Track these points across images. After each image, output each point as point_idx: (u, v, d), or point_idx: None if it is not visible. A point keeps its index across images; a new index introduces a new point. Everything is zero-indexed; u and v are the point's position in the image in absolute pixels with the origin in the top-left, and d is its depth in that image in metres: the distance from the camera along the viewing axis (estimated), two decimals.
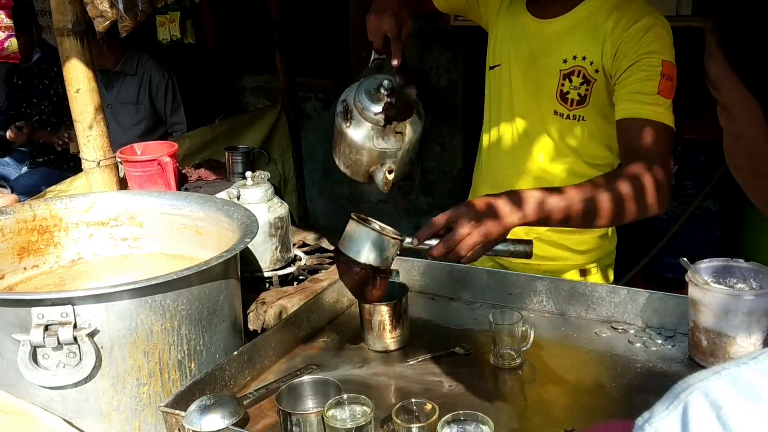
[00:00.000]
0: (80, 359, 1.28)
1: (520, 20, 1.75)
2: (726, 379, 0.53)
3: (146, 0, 2.11)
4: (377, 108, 1.53)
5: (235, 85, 4.37)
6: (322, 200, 4.20)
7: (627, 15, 1.59)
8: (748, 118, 0.55)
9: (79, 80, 2.14)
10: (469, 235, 1.30)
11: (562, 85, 1.67)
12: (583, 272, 1.85)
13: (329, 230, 2.45)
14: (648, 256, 2.67)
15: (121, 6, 2.03)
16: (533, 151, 1.76)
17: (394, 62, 1.59)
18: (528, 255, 1.38)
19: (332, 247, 2.38)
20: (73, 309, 1.26)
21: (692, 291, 1.41)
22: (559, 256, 1.84)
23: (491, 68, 1.84)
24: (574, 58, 1.65)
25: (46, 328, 1.26)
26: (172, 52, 3.64)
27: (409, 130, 1.60)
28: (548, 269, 1.82)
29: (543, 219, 1.38)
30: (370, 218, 1.37)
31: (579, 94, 1.66)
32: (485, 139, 1.90)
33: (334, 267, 2.15)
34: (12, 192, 3.65)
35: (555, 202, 1.38)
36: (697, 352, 1.42)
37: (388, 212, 4.07)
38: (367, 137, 1.58)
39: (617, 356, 1.48)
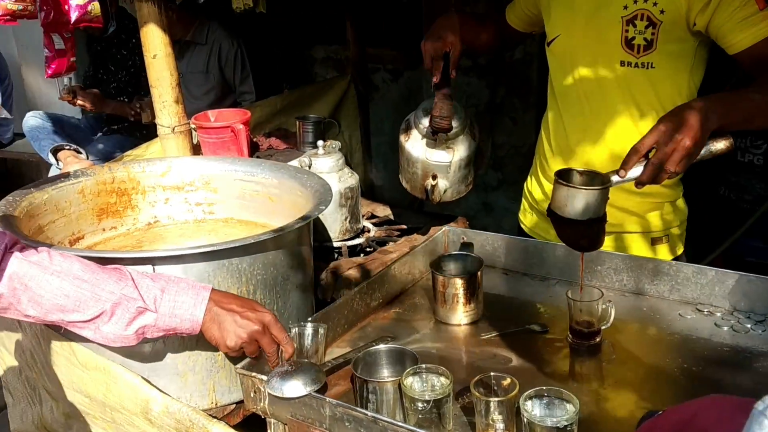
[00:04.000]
0: None
1: None
2: None
3: None
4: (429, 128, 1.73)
5: (305, 55, 4.36)
6: (387, 173, 4.18)
7: None
8: None
9: (156, 46, 2.15)
10: (675, 150, 1.30)
11: (626, 31, 1.63)
12: (654, 241, 1.81)
13: (394, 202, 2.43)
14: (731, 238, 2.55)
15: None
16: (603, 108, 1.73)
17: (434, 79, 1.73)
18: (729, 149, 1.38)
19: (401, 221, 2.36)
20: (153, 269, 1.27)
21: None
22: (625, 220, 1.78)
23: (549, 43, 1.84)
24: (635, 2, 1.62)
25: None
26: (243, 21, 3.64)
27: (460, 147, 1.77)
28: (617, 237, 1.79)
29: (737, 118, 1.38)
30: (573, 170, 1.39)
31: (645, 39, 1.62)
32: (552, 111, 1.89)
33: (402, 239, 2.13)
34: (87, 158, 3.75)
35: (740, 101, 1.40)
36: None
37: None
38: (421, 150, 1.78)
39: (703, 339, 1.42)
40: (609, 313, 1.42)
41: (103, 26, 3.60)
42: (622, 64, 1.66)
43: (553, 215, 1.38)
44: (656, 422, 0.81)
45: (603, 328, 1.42)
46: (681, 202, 1.84)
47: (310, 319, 1.43)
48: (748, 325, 1.45)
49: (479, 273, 1.54)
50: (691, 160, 1.33)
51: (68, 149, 3.67)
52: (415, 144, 1.81)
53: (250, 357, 1.26)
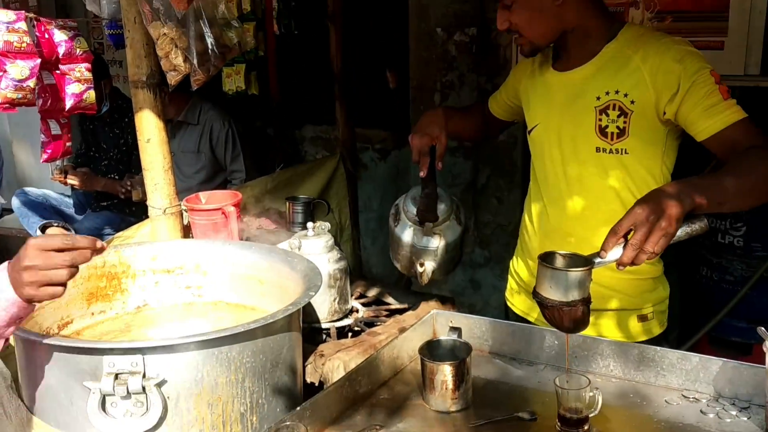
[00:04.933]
0: (147, 409, 1.29)
1: (548, 79, 1.86)
2: None
3: (218, 55, 2.18)
4: (415, 216, 1.87)
5: (295, 134, 4.45)
6: (375, 249, 4.21)
7: (653, 48, 1.67)
8: None
9: (150, 131, 2.21)
10: (652, 232, 1.35)
11: (600, 120, 1.73)
12: (642, 318, 1.85)
13: (383, 279, 2.45)
14: (715, 319, 2.58)
15: (195, 61, 2.11)
16: (581, 192, 1.80)
17: (421, 173, 1.85)
18: (705, 229, 1.43)
19: (390, 300, 2.38)
20: (143, 359, 1.28)
21: None
22: (610, 298, 1.82)
23: (530, 132, 1.93)
24: (607, 93, 1.72)
25: (116, 376, 1.28)
26: (235, 101, 3.72)
27: (447, 233, 1.90)
28: (601, 314, 1.82)
29: (709, 201, 1.42)
30: (556, 253, 1.44)
31: (618, 127, 1.71)
32: (534, 193, 1.96)
33: (391, 320, 2.14)
34: (76, 234, 3.76)
35: (713, 184, 1.45)
36: None
37: None
38: (409, 236, 1.91)
39: (690, 426, 1.42)
40: (596, 401, 1.42)
41: (98, 107, 3.70)
42: (597, 150, 1.75)
43: (538, 297, 1.42)
44: None
45: (591, 415, 1.42)
46: (663, 279, 1.89)
47: (291, 414, 1.42)
48: (734, 412, 1.46)
49: (468, 359, 1.55)
50: (668, 241, 1.38)
51: (56, 226, 3.69)
52: (403, 230, 1.91)
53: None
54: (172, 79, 2.22)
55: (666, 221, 1.35)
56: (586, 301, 1.41)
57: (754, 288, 2.68)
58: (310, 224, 2.18)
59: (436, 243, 1.88)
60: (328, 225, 2.24)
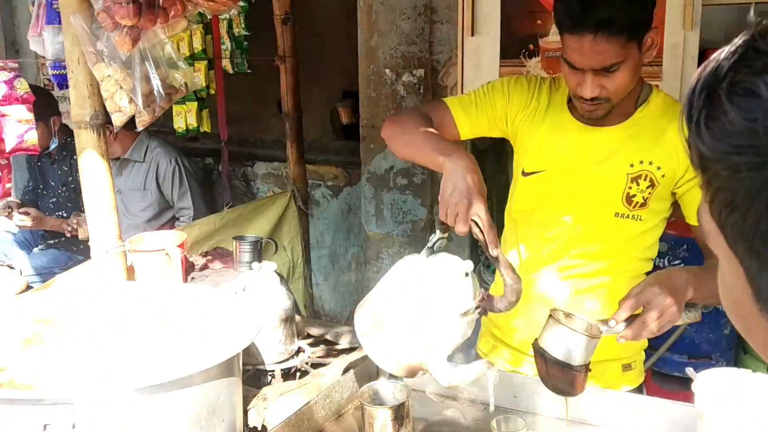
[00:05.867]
0: None
1: (566, 126, 1.75)
2: None
3: (164, 96, 2.19)
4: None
5: (246, 171, 4.46)
6: (328, 287, 4.21)
7: None
8: (734, 275, 0.56)
9: (93, 171, 2.19)
10: (664, 313, 1.38)
11: (630, 188, 1.69)
12: (627, 367, 1.85)
13: (335, 317, 2.45)
14: (656, 356, 2.63)
15: (140, 102, 2.10)
16: (586, 253, 1.77)
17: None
18: (698, 320, 1.49)
19: (337, 342, 2.37)
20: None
21: (699, 402, 1.39)
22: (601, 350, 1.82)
23: (527, 174, 1.81)
24: (641, 162, 1.68)
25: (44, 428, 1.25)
26: (188, 140, 3.73)
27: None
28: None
29: (705, 294, 1.46)
30: (572, 314, 1.40)
31: (643, 197, 1.69)
32: (520, 250, 1.86)
33: (338, 359, 2.13)
34: (21, 274, 3.67)
35: (711, 278, 1.45)
36: None
37: None
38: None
39: None
40: None
41: (45, 145, 3.65)
42: (616, 215, 1.72)
43: (540, 353, 1.39)
44: None
45: None
46: None
47: None
48: None
49: (407, 402, 1.55)
50: (671, 325, 1.42)
51: (1, 265, 3.60)
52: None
53: None
54: (117, 120, 2.21)
55: (677, 307, 1.38)
56: (588, 368, 1.40)
57: (692, 324, 2.75)
58: (255, 265, 2.17)
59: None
60: (274, 265, 2.23)
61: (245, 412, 1.77)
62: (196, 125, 3.47)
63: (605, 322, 1.40)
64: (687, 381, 1.47)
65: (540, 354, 1.39)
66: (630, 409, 1.57)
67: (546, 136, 1.77)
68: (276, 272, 2.21)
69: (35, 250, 3.96)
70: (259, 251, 2.63)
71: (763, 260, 0.51)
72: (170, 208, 3.72)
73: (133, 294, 1.88)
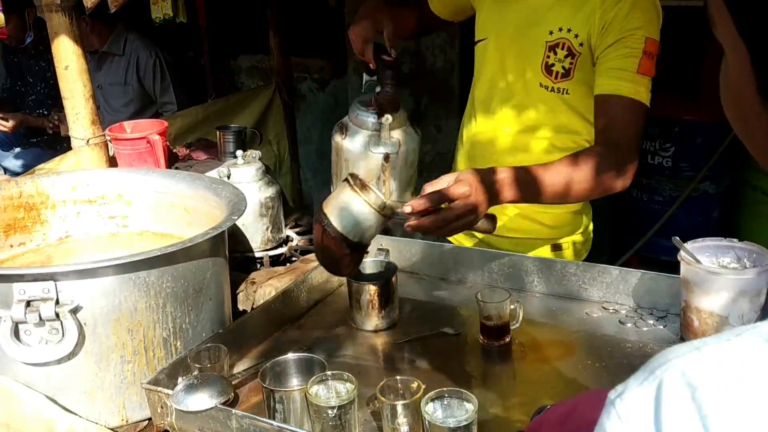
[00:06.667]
0: (63, 336, 1.26)
1: None
2: (705, 358, 0.50)
3: None
4: (372, 114, 1.63)
5: (230, 65, 4.32)
6: (316, 182, 4.18)
7: None
8: (738, 65, 0.53)
9: (67, 57, 2.11)
10: (457, 222, 1.25)
11: (548, 57, 1.66)
12: (556, 247, 1.84)
13: None
14: (643, 239, 2.66)
15: None
16: (517, 124, 1.76)
17: (371, 65, 1.66)
18: (490, 231, 1.35)
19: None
20: (55, 285, 1.24)
21: (684, 270, 1.39)
22: (532, 229, 1.82)
23: (477, 42, 1.83)
24: (560, 30, 1.64)
25: (28, 303, 1.24)
26: (164, 31, 3.59)
27: (406, 139, 1.68)
28: (521, 242, 1.82)
29: (520, 198, 1.39)
30: (369, 186, 1.25)
31: (563, 67, 1.65)
32: (469, 114, 1.89)
33: None
34: (5, 173, 3.63)
35: (530, 182, 1.40)
36: (689, 333, 1.40)
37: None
38: (361, 143, 1.66)
39: (608, 336, 1.47)
40: (518, 314, 1.45)
41: (20, 38, 3.52)
42: (540, 86, 1.69)
43: (320, 220, 1.24)
44: (544, 416, 0.84)
45: (513, 328, 1.45)
46: (587, 210, 1.87)
47: (213, 335, 1.42)
48: (651, 321, 1.50)
49: (393, 279, 1.55)
50: (464, 230, 1.32)
51: None
52: (354, 136, 1.66)
53: None
54: (88, 1, 2.10)
55: (474, 216, 1.26)
56: (365, 249, 1.27)
57: (682, 207, 2.76)
58: (239, 152, 2.13)
59: (395, 148, 1.63)
60: (258, 153, 2.19)
61: (234, 296, 1.78)
62: (171, 15, 3.33)
63: (402, 204, 1.23)
64: (673, 265, 1.46)
65: (319, 221, 1.23)
66: (618, 282, 1.58)
67: (492, 5, 1.78)
68: (261, 161, 2.17)
69: (17, 149, 3.90)
70: (243, 141, 2.59)
71: None
72: (153, 103, 3.64)
73: (112, 181, 1.85)
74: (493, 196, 1.32)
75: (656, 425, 0.49)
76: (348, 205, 1.20)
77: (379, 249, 1.76)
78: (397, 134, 1.68)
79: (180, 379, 1.24)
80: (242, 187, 1.79)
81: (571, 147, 1.69)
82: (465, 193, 1.25)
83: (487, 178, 1.32)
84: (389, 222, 1.27)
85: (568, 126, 1.71)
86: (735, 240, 1.42)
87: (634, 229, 2.87)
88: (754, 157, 0.57)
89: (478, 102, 1.84)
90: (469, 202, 1.25)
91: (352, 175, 1.24)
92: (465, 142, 1.91)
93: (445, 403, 1.07)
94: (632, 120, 1.53)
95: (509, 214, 1.80)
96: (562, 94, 1.68)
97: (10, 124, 3.59)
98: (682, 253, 1.40)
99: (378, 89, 1.64)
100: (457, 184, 1.26)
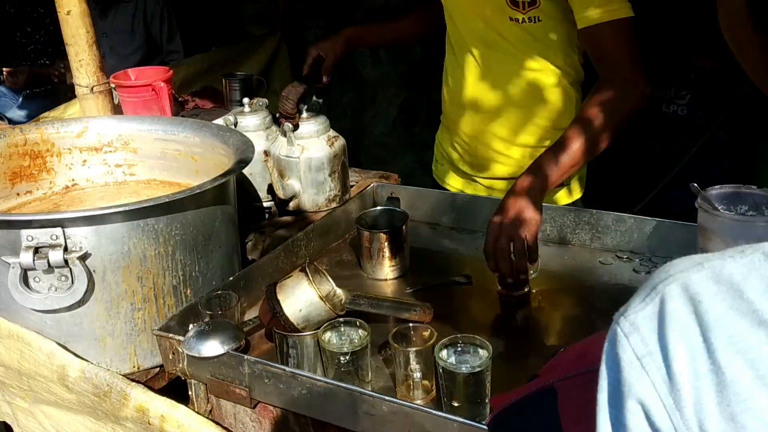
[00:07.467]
0: (72, 282, 1.25)
1: None
2: (708, 272, 0.48)
3: None
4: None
5: (234, 12, 4.23)
6: None
7: None
8: None
9: (69, 1, 2.05)
10: (497, 239, 1.38)
11: None
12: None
13: None
14: (657, 188, 2.62)
15: None
16: (498, 64, 1.73)
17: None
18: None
19: None
20: (63, 231, 1.23)
21: (701, 218, 1.36)
22: (518, 166, 1.79)
23: None
24: None
25: (36, 250, 1.22)
26: None
27: (311, 148, 1.82)
28: (509, 182, 1.78)
29: (559, 178, 1.46)
30: (326, 275, 1.29)
31: None
32: (449, 60, 1.89)
33: None
34: (8, 124, 3.59)
35: (560, 162, 1.45)
36: None
37: (391, 145, 3.99)
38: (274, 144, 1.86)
39: (621, 285, 1.45)
40: (536, 263, 1.44)
41: None
42: (511, 19, 1.65)
43: (271, 303, 1.22)
44: (558, 358, 0.83)
45: (531, 276, 1.43)
46: None
47: (224, 283, 1.41)
48: None
49: (404, 227, 1.53)
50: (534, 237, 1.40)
51: None
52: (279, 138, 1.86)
53: None
54: None
55: (513, 231, 1.36)
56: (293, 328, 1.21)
57: (697, 157, 2.71)
58: (246, 100, 2.09)
59: (297, 153, 1.79)
60: (265, 101, 2.15)
61: (243, 245, 1.77)
62: None
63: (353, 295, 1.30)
64: (688, 216, 1.44)
65: (271, 307, 1.21)
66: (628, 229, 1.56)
67: None
68: (268, 109, 2.14)
69: (21, 100, 3.85)
70: (250, 89, 2.54)
71: None
72: (159, 52, 3.57)
73: (118, 129, 1.82)
74: (535, 197, 1.40)
75: (660, 340, 0.48)
76: (303, 298, 1.20)
77: (389, 198, 1.74)
78: (307, 143, 1.81)
79: (191, 326, 1.23)
80: (249, 135, 1.76)
81: (558, 79, 1.71)
82: (494, 225, 1.39)
83: (515, 196, 1.40)
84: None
85: (551, 55, 1.69)
86: (754, 187, 1.38)
87: (646, 179, 2.83)
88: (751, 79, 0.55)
89: (458, 50, 1.83)
90: (494, 227, 1.38)
91: (310, 265, 1.26)
92: (452, 90, 1.89)
93: (459, 349, 1.06)
94: (621, 41, 1.52)
95: (515, 156, 1.80)
96: (535, 22, 1.64)
97: (20, 79, 3.55)
98: (699, 200, 1.37)
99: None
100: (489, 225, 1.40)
